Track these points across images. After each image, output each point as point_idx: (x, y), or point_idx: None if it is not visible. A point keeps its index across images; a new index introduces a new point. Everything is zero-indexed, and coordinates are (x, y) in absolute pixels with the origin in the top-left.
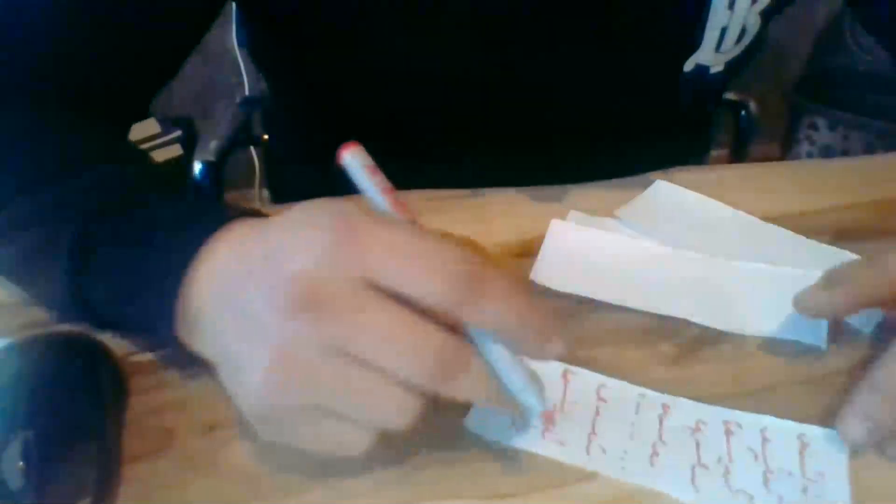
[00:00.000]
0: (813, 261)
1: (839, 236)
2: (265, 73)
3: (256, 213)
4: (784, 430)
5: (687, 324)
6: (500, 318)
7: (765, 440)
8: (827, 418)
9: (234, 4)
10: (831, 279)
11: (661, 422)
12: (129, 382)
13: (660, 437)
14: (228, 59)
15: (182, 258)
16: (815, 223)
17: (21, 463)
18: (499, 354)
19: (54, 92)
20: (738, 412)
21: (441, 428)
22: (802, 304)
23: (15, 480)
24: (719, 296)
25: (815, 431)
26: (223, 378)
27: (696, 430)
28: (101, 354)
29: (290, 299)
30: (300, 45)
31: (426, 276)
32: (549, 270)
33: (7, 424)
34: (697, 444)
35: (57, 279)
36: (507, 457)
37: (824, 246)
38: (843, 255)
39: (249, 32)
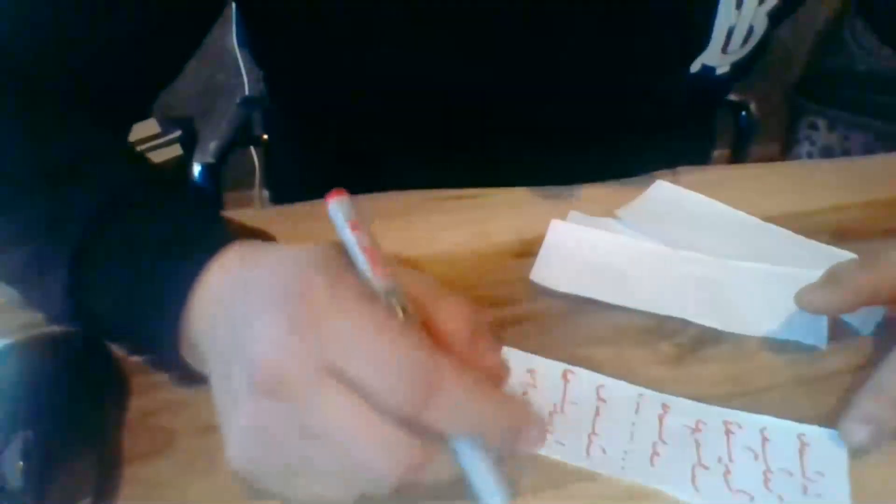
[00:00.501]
0: (813, 261)
1: (839, 236)
2: (264, 74)
3: (251, 230)
4: (784, 430)
5: (687, 324)
6: (461, 423)
7: (764, 440)
8: (827, 418)
9: (234, 4)
10: (832, 277)
11: (660, 422)
12: (129, 382)
13: (660, 436)
14: (228, 59)
15: (181, 289)
16: (815, 223)
17: (21, 463)
18: (465, 453)
19: (55, 93)
20: (737, 412)
21: None
22: (803, 300)
23: (15, 480)
24: (719, 296)
25: (814, 431)
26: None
27: (696, 429)
28: (101, 354)
29: (254, 382)
30: (299, 46)
31: (384, 382)
32: (549, 270)
33: (7, 424)
34: (697, 444)
35: (56, 295)
36: (507, 457)
37: (824, 246)
38: (843, 256)
39: (249, 33)
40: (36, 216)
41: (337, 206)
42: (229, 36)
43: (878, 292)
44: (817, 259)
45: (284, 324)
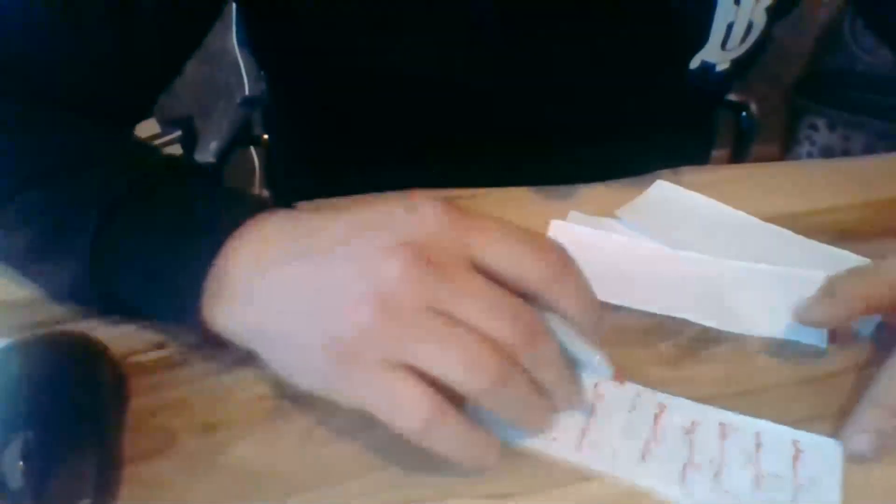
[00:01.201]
0: (813, 261)
1: (839, 236)
2: (265, 74)
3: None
4: (779, 436)
5: (687, 324)
6: (575, 301)
7: (759, 444)
8: (826, 418)
9: (234, 4)
10: (830, 289)
11: (656, 421)
12: (129, 383)
13: (653, 435)
14: (228, 59)
15: (217, 235)
16: (815, 223)
17: (21, 463)
18: (566, 332)
19: (57, 94)
20: (733, 414)
21: None
22: (802, 316)
23: (15, 480)
24: (719, 296)
25: (809, 439)
26: (276, 339)
27: (691, 430)
28: (101, 354)
29: (402, 256)
30: (300, 44)
31: (527, 257)
32: None
33: (7, 424)
34: (691, 444)
35: (75, 258)
36: (507, 456)
37: (824, 246)
38: (843, 255)
39: (249, 31)
40: (51, 198)
41: None
42: (229, 36)
43: (878, 302)
44: (817, 259)
45: (439, 214)
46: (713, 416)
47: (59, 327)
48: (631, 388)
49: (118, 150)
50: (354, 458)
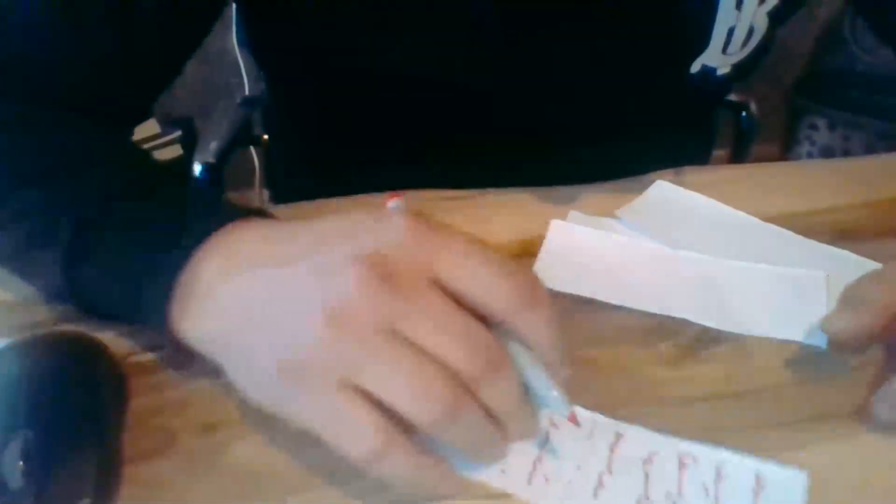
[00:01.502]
0: (813, 261)
1: (839, 236)
2: (265, 74)
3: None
4: (741, 468)
5: (687, 324)
6: (544, 333)
7: (720, 476)
8: (825, 418)
9: (234, 5)
10: (852, 301)
11: (611, 451)
12: (129, 383)
13: (608, 467)
14: (228, 59)
15: (189, 241)
16: (815, 223)
17: (21, 463)
18: (527, 363)
19: (57, 94)
20: (695, 445)
21: None
22: (826, 327)
23: (15, 480)
24: (719, 296)
25: (773, 473)
26: (234, 351)
27: (648, 461)
28: (101, 354)
29: (358, 268)
30: (300, 44)
31: (495, 283)
32: (549, 270)
33: (7, 424)
34: (647, 477)
35: (54, 260)
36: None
37: (824, 246)
38: (843, 255)
39: (249, 32)
40: (41, 199)
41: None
42: (229, 36)
43: (893, 308)
44: (817, 259)
45: (407, 229)
46: (673, 446)
47: (59, 327)
48: (587, 416)
49: (116, 151)
50: (350, 458)
